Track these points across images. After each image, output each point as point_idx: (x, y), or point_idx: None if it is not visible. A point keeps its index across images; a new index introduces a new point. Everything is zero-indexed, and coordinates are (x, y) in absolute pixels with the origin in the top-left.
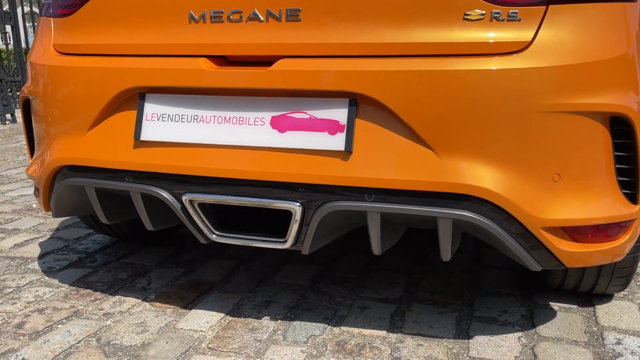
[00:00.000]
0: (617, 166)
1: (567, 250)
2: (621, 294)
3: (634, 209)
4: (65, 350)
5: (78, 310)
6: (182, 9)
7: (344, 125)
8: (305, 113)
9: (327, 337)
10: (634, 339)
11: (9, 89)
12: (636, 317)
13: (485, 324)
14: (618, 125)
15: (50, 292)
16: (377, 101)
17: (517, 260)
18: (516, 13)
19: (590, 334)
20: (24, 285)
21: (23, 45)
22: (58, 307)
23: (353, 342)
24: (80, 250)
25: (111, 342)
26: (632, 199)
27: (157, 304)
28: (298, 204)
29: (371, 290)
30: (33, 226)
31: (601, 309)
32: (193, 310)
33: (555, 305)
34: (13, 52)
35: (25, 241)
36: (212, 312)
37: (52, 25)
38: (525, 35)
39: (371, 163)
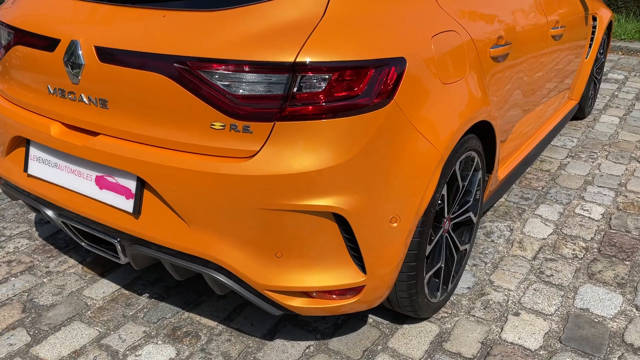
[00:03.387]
0: (349, 244)
1: (298, 305)
2: (439, 315)
3: (363, 277)
4: (2, 301)
5: (34, 265)
6: (43, 82)
7: (134, 194)
8: (114, 178)
9: (172, 321)
10: None
11: None
12: (422, 344)
13: (296, 328)
14: (341, 218)
15: (26, 244)
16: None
17: None
18: (249, 127)
19: (368, 353)
20: (14, 235)
21: None
22: (22, 260)
23: (185, 330)
24: None
25: (33, 300)
26: (363, 270)
27: (86, 268)
28: (116, 240)
29: None
30: None
31: (404, 329)
32: (103, 279)
33: (371, 318)
34: None
35: None
36: (113, 283)
37: None
38: (254, 146)
39: (152, 225)
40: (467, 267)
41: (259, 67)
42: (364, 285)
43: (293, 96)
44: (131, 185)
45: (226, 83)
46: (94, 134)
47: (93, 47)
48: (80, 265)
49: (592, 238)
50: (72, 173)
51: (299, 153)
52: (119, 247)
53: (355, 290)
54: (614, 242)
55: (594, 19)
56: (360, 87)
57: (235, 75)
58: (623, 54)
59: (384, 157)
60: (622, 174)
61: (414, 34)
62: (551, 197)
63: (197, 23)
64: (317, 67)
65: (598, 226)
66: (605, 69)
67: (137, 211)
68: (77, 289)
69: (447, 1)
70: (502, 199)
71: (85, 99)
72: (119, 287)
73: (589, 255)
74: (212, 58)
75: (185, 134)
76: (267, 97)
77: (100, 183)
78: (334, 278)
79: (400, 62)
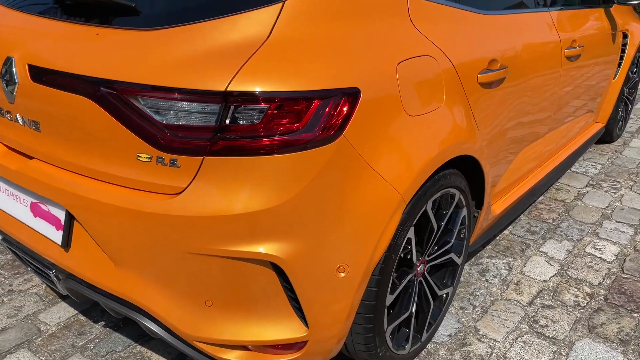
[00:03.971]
0: (290, 295)
1: (233, 358)
2: None
3: (305, 331)
4: None
5: None
6: None
7: (63, 225)
8: (46, 206)
9: (121, 355)
10: None
11: None
12: None
13: None
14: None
15: None
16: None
17: None
18: (176, 160)
19: None
20: None
21: None
22: None
23: None
24: None
25: None
26: (306, 323)
27: (49, 288)
28: (52, 272)
29: None
30: None
31: None
32: (62, 303)
33: None
34: None
35: None
36: (71, 308)
37: None
38: (182, 182)
39: (81, 261)
40: (452, 310)
41: (188, 95)
42: (307, 340)
43: (225, 129)
44: (61, 215)
45: (153, 111)
46: (30, 157)
47: (26, 65)
48: (44, 285)
49: (599, 283)
50: (10, 197)
51: (231, 192)
52: (54, 278)
53: (298, 345)
54: (624, 289)
55: (625, 36)
56: (302, 120)
57: (162, 103)
58: None
59: (330, 199)
60: None
61: (375, 60)
62: (561, 231)
63: (130, 43)
64: (251, 97)
65: (609, 269)
66: None
67: (65, 244)
68: (34, 311)
69: (427, 22)
70: (505, 232)
71: (20, 120)
72: (76, 312)
73: (593, 304)
74: (138, 83)
75: (112, 165)
76: (196, 129)
77: (35, 210)
78: (272, 331)
79: (352, 92)
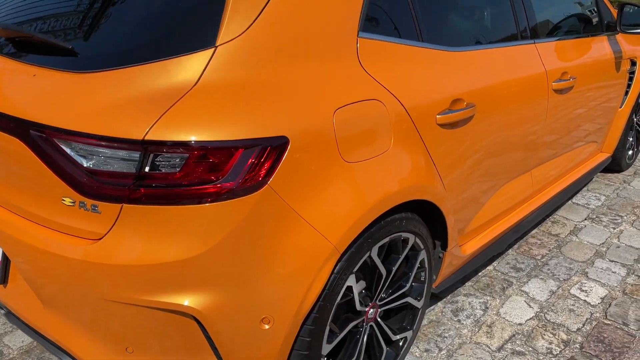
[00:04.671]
0: (213, 344)
1: None
2: None
3: None
4: None
5: None
6: None
7: (0, 261)
8: None
9: None
10: None
11: None
12: None
13: None
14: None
15: None
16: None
17: None
18: (97, 206)
19: None
20: None
21: None
22: None
23: None
24: None
25: None
26: None
27: None
28: None
29: None
30: None
31: None
32: None
33: None
34: None
35: None
36: None
37: None
38: (102, 228)
39: (16, 298)
40: (416, 352)
41: (109, 142)
42: None
43: (145, 176)
44: None
45: (76, 156)
46: None
47: None
48: None
49: (578, 329)
50: None
51: (148, 241)
52: (1, 310)
53: None
54: (603, 336)
55: (633, 63)
56: (224, 170)
57: (85, 149)
58: None
59: (254, 249)
60: None
61: (309, 107)
62: (548, 270)
63: (63, 86)
64: (170, 146)
65: (591, 313)
66: None
67: (2, 280)
68: (0, 334)
69: (379, 64)
70: (489, 267)
71: None
72: None
73: (566, 352)
74: (62, 128)
75: (41, 207)
76: (117, 176)
77: None
78: None
79: (279, 141)
